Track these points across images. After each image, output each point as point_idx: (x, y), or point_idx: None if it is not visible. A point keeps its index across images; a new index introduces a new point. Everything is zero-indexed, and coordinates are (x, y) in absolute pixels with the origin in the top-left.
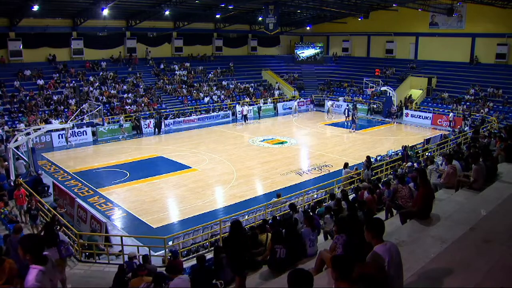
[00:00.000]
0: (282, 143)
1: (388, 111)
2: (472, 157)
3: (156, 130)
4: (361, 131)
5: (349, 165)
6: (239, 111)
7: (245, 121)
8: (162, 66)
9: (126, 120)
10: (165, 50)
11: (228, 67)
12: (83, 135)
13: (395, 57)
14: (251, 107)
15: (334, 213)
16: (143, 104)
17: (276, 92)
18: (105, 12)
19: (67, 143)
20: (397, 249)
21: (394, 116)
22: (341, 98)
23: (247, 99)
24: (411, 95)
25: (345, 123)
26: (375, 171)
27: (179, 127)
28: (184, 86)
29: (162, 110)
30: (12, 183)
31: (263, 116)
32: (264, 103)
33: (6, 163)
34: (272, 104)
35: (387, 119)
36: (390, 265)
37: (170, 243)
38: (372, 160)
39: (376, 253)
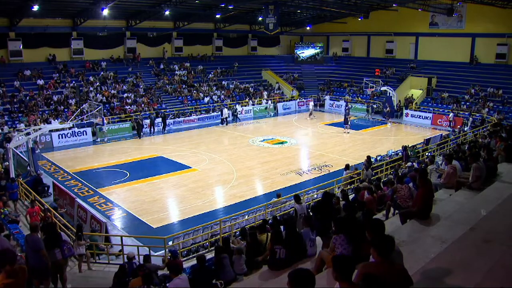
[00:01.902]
0: (282, 143)
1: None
2: (472, 157)
3: (152, 128)
4: (361, 131)
5: (350, 165)
6: (239, 111)
7: (224, 124)
8: (162, 66)
9: (126, 120)
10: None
11: (228, 67)
12: (83, 135)
13: (395, 57)
14: (250, 107)
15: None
16: (143, 104)
17: (265, 94)
18: (105, 12)
19: (37, 148)
20: (398, 250)
21: (387, 117)
22: (327, 97)
23: (249, 99)
24: (412, 95)
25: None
26: (375, 171)
27: (179, 127)
28: (184, 86)
29: (162, 110)
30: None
31: (262, 117)
32: (252, 105)
33: (7, 163)
34: (272, 104)
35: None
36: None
37: (170, 243)
38: (372, 160)
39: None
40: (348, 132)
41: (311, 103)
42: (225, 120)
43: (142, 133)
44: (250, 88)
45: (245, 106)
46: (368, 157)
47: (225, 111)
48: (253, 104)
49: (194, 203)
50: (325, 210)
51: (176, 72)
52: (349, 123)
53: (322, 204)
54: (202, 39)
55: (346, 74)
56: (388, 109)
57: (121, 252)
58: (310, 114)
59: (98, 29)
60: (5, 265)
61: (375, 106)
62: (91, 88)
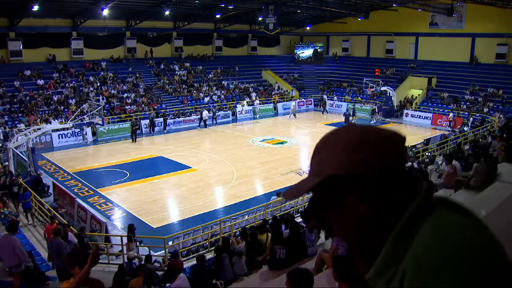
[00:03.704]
0: (282, 143)
1: (389, 109)
2: (474, 156)
3: (151, 128)
4: None
5: None
6: (239, 110)
7: (205, 127)
8: (162, 66)
9: (126, 120)
10: (165, 50)
11: (228, 67)
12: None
13: (395, 57)
14: (250, 107)
15: None
16: (143, 104)
17: (253, 95)
18: (105, 12)
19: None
20: None
21: (374, 114)
22: (325, 96)
23: (247, 99)
24: (413, 95)
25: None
26: None
27: (179, 127)
28: (184, 86)
29: (162, 110)
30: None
31: (262, 117)
32: (249, 105)
33: (7, 163)
34: (272, 104)
35: (387, 119)
36: None
37: (170, 243)
38: None
39: None
40: None
41: (293, 103)
42: (204, 122)
43: (136, 137)
44: (250, 88)
45: (242, 106)
46: None
47: (205, 113)
48: (249, 105)
49: (194, 203)
50: None
51: (176, 72)
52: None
53: None
54: (202, 39)
55: (346, 74)
56: (375, 107)
57: (121, 252)
58: (293, 114)
59: (98, 29)
60: (74, 267)
61: (374, 106)
62: (91, 88)
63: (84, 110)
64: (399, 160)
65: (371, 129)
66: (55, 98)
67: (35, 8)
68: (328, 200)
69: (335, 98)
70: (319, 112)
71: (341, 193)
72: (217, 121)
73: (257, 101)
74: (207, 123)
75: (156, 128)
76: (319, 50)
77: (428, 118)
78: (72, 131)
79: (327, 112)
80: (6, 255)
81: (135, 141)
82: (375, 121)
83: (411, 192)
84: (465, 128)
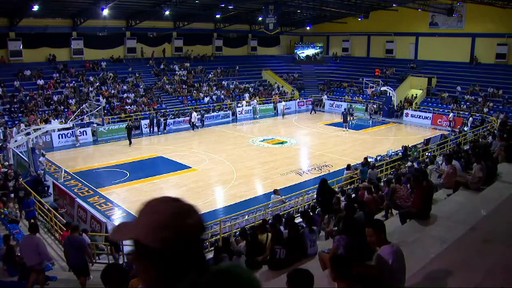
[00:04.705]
0: (282, 143)
1: (390, 109)
2: (475, 156)
3: (152, 129)
4: (361, 131)
5: (351, 165)
6: (239, 111)
7: (193, 129)
8: (162, 66)
9: (126, 120)
10: (165, 50)
11: (228, 67)
12: (83, 135)
13: (395, 57)
14: (250, 107)
15: (333, 212)
16: (143, 104)
17: (247, 95)
18: (105, 12)
19: (40, 150)
20: (401, 251)
21: (371, 115)
22: (324, 97)
23: (247, 101)
24: (413, 95)
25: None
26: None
27: (179, 127)
28: (184, 86)
29: (162, 110)
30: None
31: (262, 117)
32: (247, 105)
33: (7, 162)
34: (273, 104)
35: (387, 119)
36: (394, 266)
37: None
38: (371, 160)
39: (381, 256)
40: (348, 131)
41: (283, 103)
42: (194, 124)
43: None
44: (250, 88)
45: (241, 106)
46: (365, 158)
47: (194, 115)
48: (248, 105)
49: (194, 203)
50: (325, 192)
51: (176, 72)
52: (348, 123)
53: (322, 189)
54: (202, 39)
55: (346, 74)
56: (373, 106)
57: (121, 252)
58: (282, 115)
59: (98, 29)
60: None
61: (375, 106)
62: (91, 88)
63: (84, 110)
64: (195, 244)
65: (183, 212)
66: (55, 98)
67: (35, 8)
68: (134, 253)
69: (324, 97)
70: (319, 112)
71: (141, 254)
72: (204, 124)
73: (254, 101)
74: (197, 124)
75: (159, 128)
76: (319, 54)
77: (428, 118)
78: (72, 131)
79: (315, 112)
80: (29, 253)
81: (131, 143)
82: (371, 121)
83: (198, 270)
84: (465, 128)
